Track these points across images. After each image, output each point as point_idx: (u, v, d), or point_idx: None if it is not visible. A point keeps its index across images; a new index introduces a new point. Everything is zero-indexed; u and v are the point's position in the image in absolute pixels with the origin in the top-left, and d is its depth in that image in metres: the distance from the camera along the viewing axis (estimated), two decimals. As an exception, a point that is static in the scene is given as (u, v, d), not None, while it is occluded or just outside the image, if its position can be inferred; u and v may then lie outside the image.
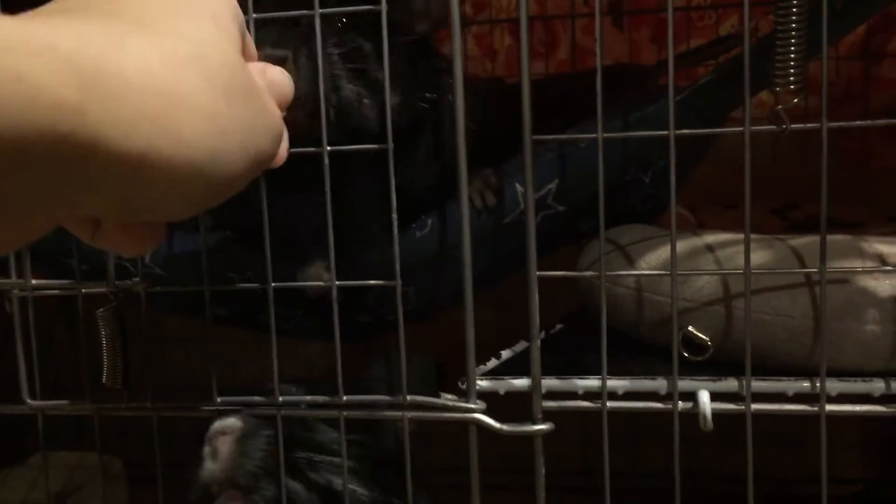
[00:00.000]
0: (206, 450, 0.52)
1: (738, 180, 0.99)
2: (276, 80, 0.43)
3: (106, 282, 0.53)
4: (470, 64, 1.24)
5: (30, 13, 0.26)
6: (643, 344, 0.59)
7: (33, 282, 0.54)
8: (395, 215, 0.52)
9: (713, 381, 0.52)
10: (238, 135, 0.29)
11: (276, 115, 0.33)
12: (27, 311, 0.54)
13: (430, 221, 0.64)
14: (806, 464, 0.66)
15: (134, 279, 0.54)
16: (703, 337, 0.54)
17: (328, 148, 0.52)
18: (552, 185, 0.61)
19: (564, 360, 0.58)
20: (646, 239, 0.60)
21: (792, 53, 0.49)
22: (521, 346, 0.63)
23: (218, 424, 0.52)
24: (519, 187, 0.61)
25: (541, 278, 0.54)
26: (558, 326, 0.69)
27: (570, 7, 1.18)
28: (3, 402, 0.56)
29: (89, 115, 0.23)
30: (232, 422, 0.52)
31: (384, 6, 0.50)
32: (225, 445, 0.51)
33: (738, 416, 0.51)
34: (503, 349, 0.61)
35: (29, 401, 0.55)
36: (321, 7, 0.49)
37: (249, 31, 0.42)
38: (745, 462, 0.50)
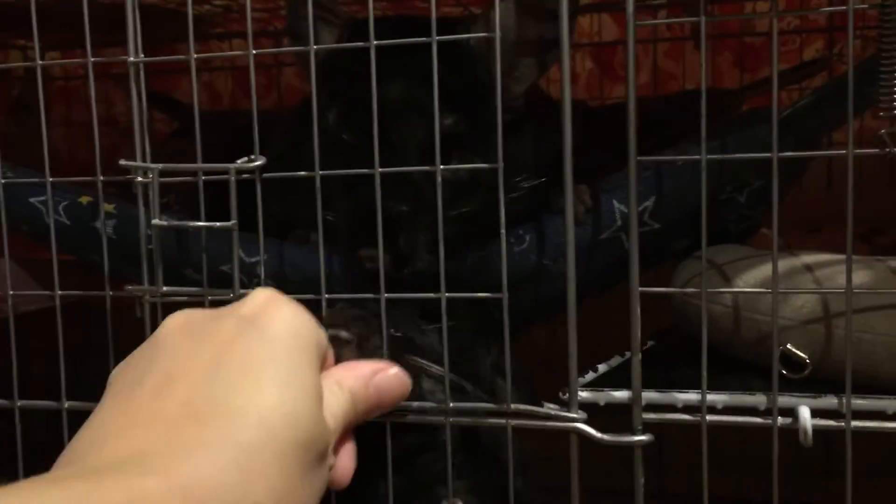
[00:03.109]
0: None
1: (820, 204, 0.99)
2: (385, 385, 0.48)
3: (231, 289, 0.57)
4: (552, 87, 1.26)
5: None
6: (739, 361, 0.60)
7: (164, 289, 0.58)
8: (503, 231, 0.55)
9: (813, 397, 0.53)
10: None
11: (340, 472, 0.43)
12: (157, 316, 0.58)
13: (527, 237, 0.67)
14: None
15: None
16: (802, 355, 0.55)
17: (441, 167, 0.55)
18: (649, 203, 0.63)
19: (658, 375, 0.59)
20: (742, 258, 0.61)
21: None
22: (615, 360, 0.65)
23: (332, 333, 0.53)
24: (617, 204, 0.63)
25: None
26: (649, 343, 0.70)
27: (653, 31, 1.20)
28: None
29: None
30: (344, 333, 0.54)
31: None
32: (350, 353, 0.53)
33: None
34: (587, 366, 0.62)
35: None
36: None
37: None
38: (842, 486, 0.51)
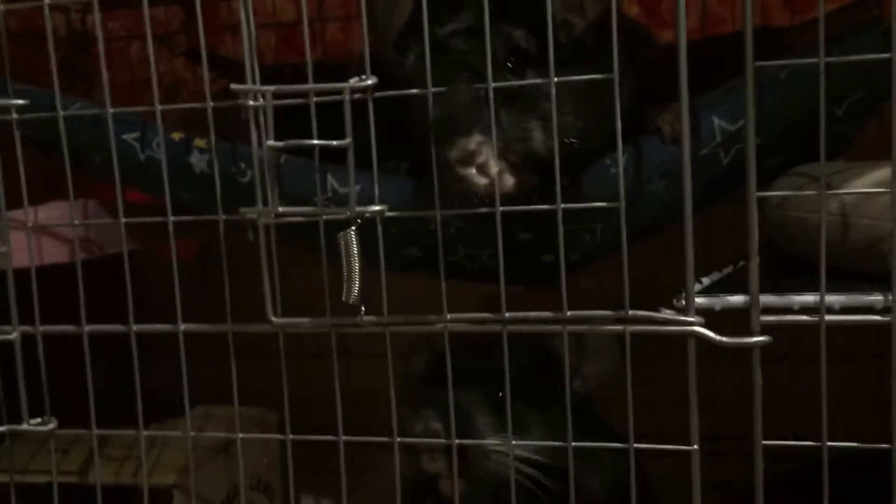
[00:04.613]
0: None
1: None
2: None
3: (347, 208, 0.57)
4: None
5: None
6: (844, 270, 0.60)
7: (279, 209, 0.58)
8: (620, 144, 0.55)
9: (931, 295, 0.53)
10: None
11: None
12: (270, 239, 0.59)
13: (624, 157, 0.67)
14: None
15: (371, 206, 0.58)
16: (917, 255, 0.56)
17: (556, 79, 0.55)
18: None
19: (764, 287, 0.60)
20: (843, 170, 0.61)
21: None
22: (715, 275, 0.65)
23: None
24: (717, 120, 0.63)
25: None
26: (741, 263, 0.71)
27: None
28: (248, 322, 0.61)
29: None
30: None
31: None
32: None
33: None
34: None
35: (273, 319, 0.59)
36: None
37: None
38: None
